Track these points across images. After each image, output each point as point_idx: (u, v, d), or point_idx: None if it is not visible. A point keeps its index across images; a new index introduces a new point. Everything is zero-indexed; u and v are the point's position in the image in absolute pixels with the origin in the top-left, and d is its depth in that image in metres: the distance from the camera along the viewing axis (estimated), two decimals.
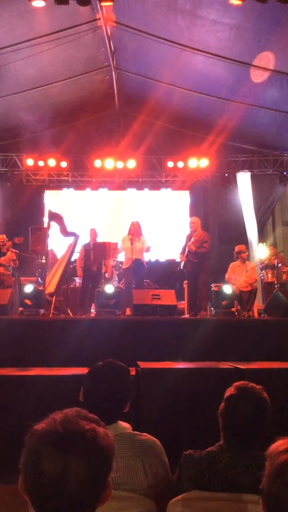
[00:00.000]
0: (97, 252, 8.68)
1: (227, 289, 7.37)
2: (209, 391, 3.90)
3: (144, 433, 2.15)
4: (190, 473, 1.98)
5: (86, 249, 8.68)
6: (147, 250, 8.78)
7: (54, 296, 7.67)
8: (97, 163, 11.67)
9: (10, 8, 7.32)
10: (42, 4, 6.66)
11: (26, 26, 7.90)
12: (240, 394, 2.05)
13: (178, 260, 8.74)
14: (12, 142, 11.66)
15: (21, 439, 1.12)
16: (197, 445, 2.12)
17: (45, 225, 8.94)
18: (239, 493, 1.80)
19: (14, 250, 9.20)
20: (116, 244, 9.58)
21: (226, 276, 8.74)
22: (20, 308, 7.12)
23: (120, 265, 9.44)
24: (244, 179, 11.95)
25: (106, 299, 7.24)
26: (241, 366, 4.49)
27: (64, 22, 8.04)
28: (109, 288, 7.35)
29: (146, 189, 12.52)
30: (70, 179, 12.18)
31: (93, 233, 8.92)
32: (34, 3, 6.64)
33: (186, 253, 8.21)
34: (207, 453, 2.02)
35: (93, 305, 8.19)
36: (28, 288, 7.12)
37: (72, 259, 9.11)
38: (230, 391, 2.09)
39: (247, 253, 8.86)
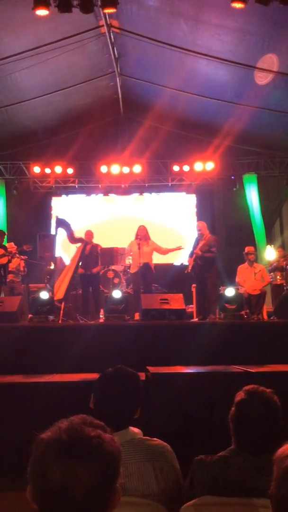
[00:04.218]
0: (92, 256, 8.70)
1: (230, 292, 7.33)
2: (220, 395, 3.88)
3: (155, 438, 2.14)
4: (202, 478, 1.98)
5: (82, 253, 8.66)
6: (166, 252, 8.81)
7: (63, 303, 7.68)
8: (103, 168, 11.71)
9: (14, 17, 7.39)
10: (46, 12, 6.71)
11: (30, 35, 7.98)
12: (250, 398, 2.04)
13: (186, 263, 8.74)
14: (19, 150, 11.74)
15: (31, 446, 1.12)
16: (208, 450, 2.11)
17: (53, 232, 8.97)
18: (251, 498, 1.79)
19: (22, 256, 9.24)
20: (123, 249, 9.60)
21: (236, 279, 8.72)
22: (30, 315, 7.14)
23: (128, 269, 9.45)
24: (250, 181, 11.93)
25: (115, 305, 7.24)
26: (251, 369, 4.46)
27: (67, 29, 8.09)
28: (117, 294, 7.35)
29: (152, 193, 12.54)
30: (76, 185, 12.23)
31: (88, 235, 8.97)
32: (37, 12, 6.70)
33: (194, 256, 8.21)
34: (218, 458, 2.01)
35: (101, 311, 8.21)
36: (44, 295, 7.14)
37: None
38: (240, 395, 2.08)
39: (253, 255, 8.81)
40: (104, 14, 7.72)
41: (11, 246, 9.12)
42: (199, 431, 3.95)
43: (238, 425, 2.02)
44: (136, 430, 2.14)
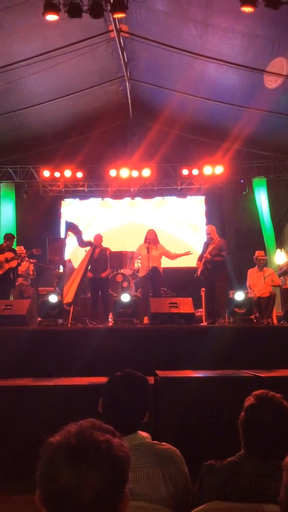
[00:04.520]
0: (101, 260, 8.70)
1: (239, 296, 7.30)
2: (229, 399, 3.87)
3: (164, 443, 2.13)
4: (211, 483, 1.96)
5: (91, 257, 8.61)
6: (174, 256, 8.83)
7: (72, 306, 7.69)
8: (113, 172, 11.75)
9: (24, 23, 7.46)
10: (56, 18, 6.76)
11: (40, 40, 8.03)
12: (260, 403, 2.02)
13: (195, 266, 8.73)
14: (29, 154, 11.82)
15: (40, 449, 1.12)
16: (217, 455, 2.10)
17: (62, 236, 8.99)
18: (261, 504, 1.78)
19: (31, 260, 9.27)
20: (132, 252, 9.61)
21: (247, 283, 8.69)
22: (39, 319, 7.16)
23: (137, 273, 9.45)
24: (260, 185, 11.90)
25: (123, 308, 7.23)
26: (261, 374, 4.44)
27: (77, 34, 8.15)
28: (125, 297, 7.34)
29: (161, 197, 12.55)
30: (86, 189, 12.28)
31: (97, 239, 9.00)
32: (47, 17, 6.76)
33: (203, 260, 8.19)
34: (228, 463, 2.00)
35: (110, 314, 8.21)
36: (53, 298, 7.16)
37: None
38: (249, 400, 2.06)
39: (262, 260, 8.77)
40: (114, 19, 7.75)
41: (20, 249, 9.17)
42: (208, 435, 3.94)
43: (248, 430, 2.01)
44: (145, 434, 2.13)
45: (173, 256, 8.89)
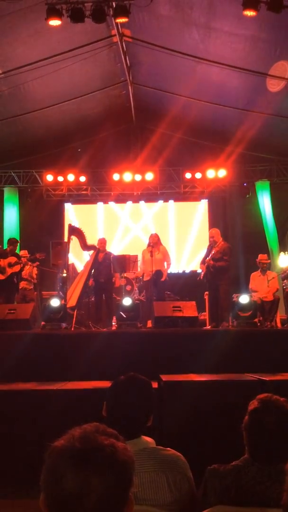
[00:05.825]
0: (105, 264, 8.69)
1: (244, 299, 7.28)
2: (233, 403, 3.85)
3: (168, 448, 2.12)
4: (215, 488, 1.95)
5: (94, 260, 8.61)
6: (168, 265, 8.80)
7: (76, 310, 7.69)
8: (116, 176, 11.76)
9: (27, 28, 7.50)
10: (58, 23, 6.80)
11: (43, 45, 8.07)
12: (264, 407, 2.01)
13: (199, 270, 8.71)
14: (32, 159, 11.85)
15: (44, 453, 1.12)
16: (221, 459, 2.09)
17: (66, 240, 9.01)
18: (265, 508, 1.77)
19: (34, 264, 9.28)
20: (136, 256, 9.61)
21: (249, 286, 8.67)
22: (42, 322, 7.16)
23: (141, 277, 9.45)
24: (263, 188, 11.89)
25: (125, 312, 7.23)
26: (265, 377, 4.43)
27: (80, 39, 8.18)
28: (127, 301, 7.34)
29: (164, 201, 12.54)
30: (89, 193, 12.30)
31: (101, 243, 8.95)
32: (50, 22, 6.80)
33: (206, 263, 8.18)
34: (232, 467, 1.99)
35: (114, 318, 8.21)
36: (55, 302, 7.16)
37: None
38: (253, 404, 2.05)
39: (265, 263, 8.74)
40: (116, 23, 7.79)
41: (24, 253, 9.19)
42: (212, 439, 3.92)
43: (252, 434, 2.00)
44: (148, 439, 2.12)
45: (164, 270, 8.75)
